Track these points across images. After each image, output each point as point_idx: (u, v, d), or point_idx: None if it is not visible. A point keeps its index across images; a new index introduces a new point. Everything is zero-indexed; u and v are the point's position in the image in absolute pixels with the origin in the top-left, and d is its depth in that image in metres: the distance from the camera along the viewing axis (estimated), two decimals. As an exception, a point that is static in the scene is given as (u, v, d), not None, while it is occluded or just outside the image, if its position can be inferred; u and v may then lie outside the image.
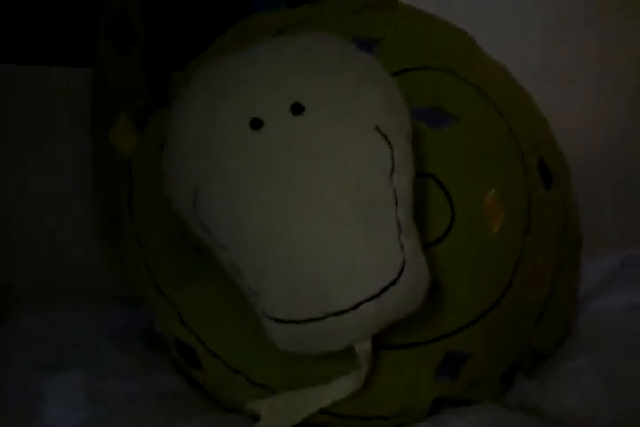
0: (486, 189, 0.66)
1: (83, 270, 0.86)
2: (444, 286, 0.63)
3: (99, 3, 0.79)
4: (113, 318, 0.79)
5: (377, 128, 0.61)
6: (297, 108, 0.60)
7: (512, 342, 0.68)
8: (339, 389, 0.62)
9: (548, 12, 1.05)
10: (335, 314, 0.58)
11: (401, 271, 0.59)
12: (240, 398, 0.65)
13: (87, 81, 0.80)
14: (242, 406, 0.65)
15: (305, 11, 0.76)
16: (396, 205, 0.60)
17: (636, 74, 1.08)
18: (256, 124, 0.60)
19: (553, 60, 1.05)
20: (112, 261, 0.77)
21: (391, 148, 0.61)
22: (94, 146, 0.78)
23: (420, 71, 0.70)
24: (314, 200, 0.59)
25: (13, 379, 0.67)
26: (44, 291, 0.84)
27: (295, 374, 0.64)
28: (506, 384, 0.69)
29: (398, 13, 0.76)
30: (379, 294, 0.58)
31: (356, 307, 0.58)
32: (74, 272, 0.86)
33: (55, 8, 0.85)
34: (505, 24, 1.03)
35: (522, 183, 0.69)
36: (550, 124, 0.77)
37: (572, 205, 0.77)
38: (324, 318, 0.58)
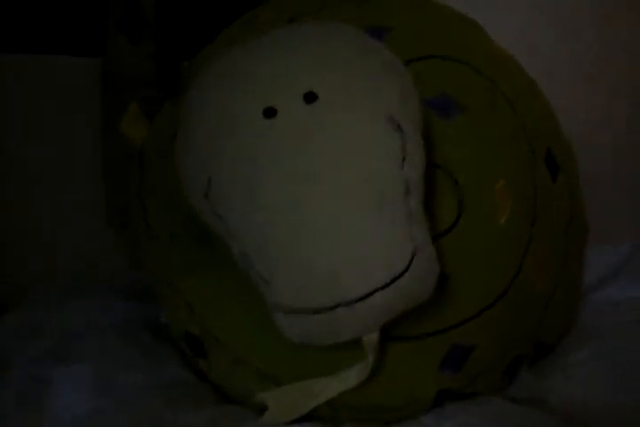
0: (494, 181, 0.66)
1: (93, 263, 0.86)
2: (452, 276, 0.63)
3: None
4: (121, 310, 0.79)
5: (389, 117, 0.61)
6: (310, 97, 0.60)
7: (517, 334, 0.68)
8: (345, 380, 0.62)
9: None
10: (345, 304, 0.58)
11: (411, 261, 0.58)
12: (246, 390, 0.65)
13: (96, 70, 0.79)
14: (248, 398, 0.65)
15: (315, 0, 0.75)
16: (407, 194, 0.60)
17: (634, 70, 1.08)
18: (270, 112, 0.60)
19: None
20: (122, 251, 0.77)
21: (403, 137, 0.61)
22: (105, 135, 0.78)
23: (431, 60, 0.70)
24: (325, 189, 0.59)
25: (22, 368, 0.67)
26: (54, 283, 0.83)
27: (302, 366, 0.64)
28: (509, 377, 0.69)
29: (408, 2, 0.76)
30: (389, 284, 0.58)
31: (366, 297, 0.58)
32: (85, 265, 0.86)
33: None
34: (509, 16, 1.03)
35: (529, 175, 0.69)
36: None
37: (578, 196, 0.77)
38: (335, 307, 0.58)
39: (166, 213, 0.70)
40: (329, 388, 0.62)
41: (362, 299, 0.58)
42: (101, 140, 0.78)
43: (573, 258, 0.75)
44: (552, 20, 1.05)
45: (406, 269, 0.58)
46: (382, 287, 0.58)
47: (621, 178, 1.01)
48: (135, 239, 0.73)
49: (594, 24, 1.05)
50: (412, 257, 0.59)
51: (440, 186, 0.65)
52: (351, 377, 0.61)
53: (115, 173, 0.77)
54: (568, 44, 1.05)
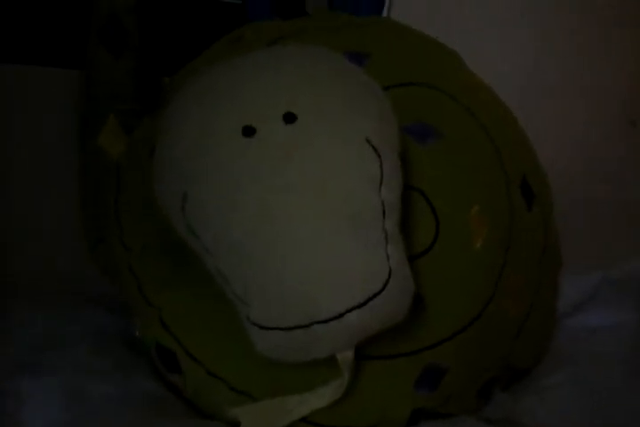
0: (471, 205, 0.67)
1: (68, 273, 0.85)
2: (426, 298, 0.64)
3: (92, 4, 0.79)
4: (95, 321, 0.78)
5: (367, 140, 0.62)
6: (289, 118, 0.61)
7: (490, 357, 0.69)
8: (319, 397, 0.61)
9: (534, 26, 1.07)
10: (320, 322, 0.58)
11: (387, 281, 0.59)
12: (219, 405, 0.65)
13: (74, 82, 0.80)
14: (221, 413, 0.65)
15: (300, 22, 0.77)
16: (384, 216, 0.61)
17: (623, 87, 1.10)
18: (248, 131, 0.61)
19: (539, 74, 1.08)
20: (96, 263, 0.77)
21: (380, 160, 0.62)
22: (81, 148, 0.78)
23: (408, 87, 0.71)
24: (301, 208, 0.60)
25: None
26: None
27: (276, 382, 0.64)
28: (483, 399, 0.70)
29: (388, 29, 0.78)
30: (364, 304, 0.58)
31: (341, 315, 0.58)
32: (59, 274, 0.85)
33: (47, 8, 0.85)
34: (492, 38, 1.05)
35: (505, 201, 0.70)
36: (533, 140, 0.78)
37: (552, 225, 0.78)
38: (309, 325, 0.58)
39: (141, 227, 0.70)
40: (303, 405, 0.62)
41: (337, 317, 0.58)
42: (79, 152, 0.78)
43: (547, 286, 0.76)
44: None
45: (382, 289, 0.59)
46: (358, 306, 0.58)
47: (600, 206, 1.02)
48: (110, 253, 0.72)
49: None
50: (389, 277, 0.59)
51: (417, 208, 0.66)
52: (326, 395, 0.61)
53: (91, 185, 0.77)
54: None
